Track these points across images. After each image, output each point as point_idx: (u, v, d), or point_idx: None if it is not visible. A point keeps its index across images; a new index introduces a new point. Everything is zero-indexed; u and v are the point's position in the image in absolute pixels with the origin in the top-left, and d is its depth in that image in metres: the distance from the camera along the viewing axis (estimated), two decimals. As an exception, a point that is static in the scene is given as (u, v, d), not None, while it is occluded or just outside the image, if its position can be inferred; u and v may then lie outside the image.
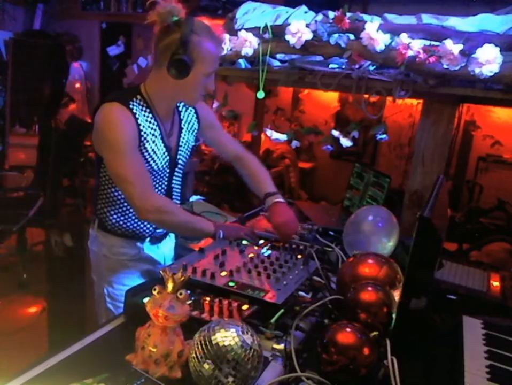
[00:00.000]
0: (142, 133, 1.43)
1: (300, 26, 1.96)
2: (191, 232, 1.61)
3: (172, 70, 1.37)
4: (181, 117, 1.62)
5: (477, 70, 1.64)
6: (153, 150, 1.47)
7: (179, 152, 1.60)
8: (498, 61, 1.63)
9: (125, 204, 1.52)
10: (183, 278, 0.93)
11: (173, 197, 1.64)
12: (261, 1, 2.50)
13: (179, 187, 1.67)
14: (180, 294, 0.91)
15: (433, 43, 1.78)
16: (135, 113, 1.42)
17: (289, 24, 2.01)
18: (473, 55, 1.65)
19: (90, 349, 1.03)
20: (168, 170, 1.56)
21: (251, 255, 1.44)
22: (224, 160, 1.82)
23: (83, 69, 5.27)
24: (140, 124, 1.42)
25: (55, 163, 4.27)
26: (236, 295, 1.18)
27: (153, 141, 1.47)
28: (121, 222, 1.54)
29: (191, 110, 1.65)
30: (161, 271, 0.95)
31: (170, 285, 0.92)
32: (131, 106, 1.41)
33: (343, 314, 1.07)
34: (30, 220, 3.36)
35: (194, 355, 0.85)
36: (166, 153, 1.52)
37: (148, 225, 1.57)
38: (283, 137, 2.47)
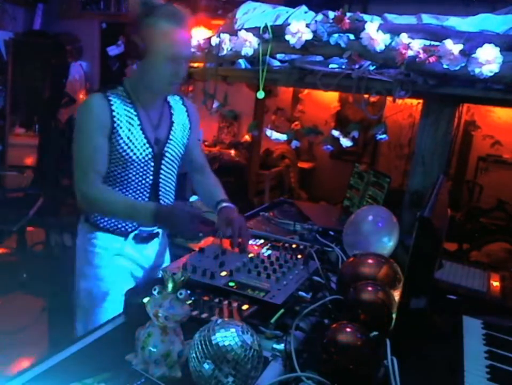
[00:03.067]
0: (115, 119, 1.43)
1: (300, 26, 1.96)
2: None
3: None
4: (172, 111, 1.60)
5: (477, 70, 1.64)
6: (128, 138, 1.45)
7: (168, 145, 1.55)
8: (498, 61, 1.63)
9: None
10: (183, 278, 0.93)
11: (160, 193, 1.56)
12: (261, 1, 2.50)
13: (170, 185, 1.60)
14: (180, 294, 0.91)
15: (433, 43, 1.78)
16: (110, 100, 1.43)
17: (289, 24, 2.01)
18: (473, 55, 1.65)
19: (90, 349, 1.03)
20: (152, 164, 1.51)
21: (251, 255, 1.44)
22: (184, 167, 1.78)
23: (83, 69, 5.27)
24: (114, 111, 1.43)
25: (55, 163, 4.27)
26: (236, 295, 1.18)
27: (129, 130, 1.46)
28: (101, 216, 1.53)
29: (182, 108, 1.64)
30: (161, 271, 0.95)
31: (170, 285, 0.92)
32: (108, 94, 1.44)
33: (343, 314, 1.07)
34: (30, 220, 3.36)
35: (194, 355, 0.85)
36: (147, 145, 1.49)
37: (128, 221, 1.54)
38: (283, 137, 2.47)
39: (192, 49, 2.46)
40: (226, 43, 2.25)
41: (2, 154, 4.60)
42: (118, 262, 1.54)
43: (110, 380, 0.87)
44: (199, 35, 2.61)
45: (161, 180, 1.56)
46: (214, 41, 2.33)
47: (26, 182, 4.20)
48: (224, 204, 1.60)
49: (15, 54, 4.56)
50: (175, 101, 1.62)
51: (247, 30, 2.19)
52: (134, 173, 1.49)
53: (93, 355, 1.02)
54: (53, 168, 4.35)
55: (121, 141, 1.44)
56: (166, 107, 1.58)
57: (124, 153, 1.45)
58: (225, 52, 2.26)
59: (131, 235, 1.54)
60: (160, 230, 1.63)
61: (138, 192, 1.51)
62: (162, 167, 1.55)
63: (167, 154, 1.55)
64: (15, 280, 3.30)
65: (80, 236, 1.59)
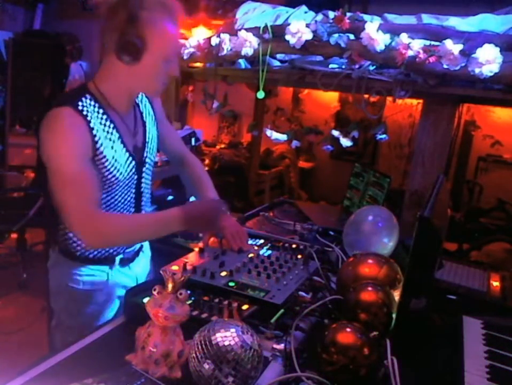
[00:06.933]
0: (97, 139, 1.21)
1: (300, 26, 1.96)
2: (160, 232, 1.31)
3: (121, 55, 1.18)
4: (141, 109, 1.41)
5: (477, 70, 1.65)
6: (113, 157, 1.25)
7: (147, 150, 1.39)
8: (498, 61, 1.63)
9: None
10: (183, 278, 0.93)
11: (142, 204, 1.43)
12: (261, 1, 2.50)
13: (149, 190, 1.45)
14: (180, 294, 0.91)
15: (433, 43, 1.78)
16: (86, 116, 1.20)
17: (289, 24, 2.01)
18: (473, 55, 1.65)
19: (90, 349, 1.03)
20: (135, 177, 1.36)
21: (251, 255, 1.44)
22: (167, 158, 1.66)
23: (83, 69, 5.27)
24: (93, 129, 1.21)
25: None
26: (236, 295, 1.18)
27: (111, 147, 1.25)
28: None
29: (145, 99, 1.43)
30: (161, 272, 0.95)
31: (170, 285, 0.92)
32: (80, 108, 1.19)
33: (343, 314, 1.07)
34: (30, 220, 3.35)
35: (194, 355, 0.85)
36: (130, 158, 1.31)
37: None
38: (283, 137, 2.47)
39: (192, 49, 2.47)
40: (226, 43, 2.25)
41: (2, 154, 4.60)
42: (107, 292, 1.39)
43: (110, 380, 0.87)
44: (199, 34, 2.61)
45: (142, 190, 1.42)
46: (214, 41, 2.33)
47: (26, 182, 4.19)
48: None
49: (15, 54, 4.55)
50: (140, 96, 1.42)
51: (247, 30, 2.20)
52: (119, 193, 1.32)
53: (93, 355, 1.02)
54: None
55: (106, 163, 1.24)
56: (136, 107, 1.39)
57: (110, 175, 1.26)
58: (225, 52, 2.27)
59: (117, 260, 1.40)
60: (143, 244, 1.51)
61: (121, 210, 1.35)
62: (143, 175, 1.40)
63: (147, 160, 1.40)
64: (15, 280, 3.30)
65: (57, 272, 1.39)
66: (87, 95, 1.23)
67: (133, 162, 1.33)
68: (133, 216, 1.36)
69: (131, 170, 1.33)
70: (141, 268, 1.51)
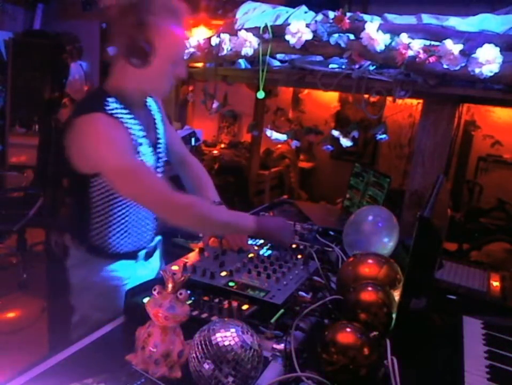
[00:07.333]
0: (132, 137, 1.28)
1: (300, 26, 1.96)
2: (230, 229, 1.43)
3: (131, 58, 1.21)
4: (150, 108, 1.47)
5: (477, 70, 1.65)
6: (143, 154, 1.33)
7: (159, 145, 1.45)
8: (498, 61, 1.63)
9: (126, 219, 1.36)
10: (183, 278, 0.93)
11: None
12: (261, 1, 2.50)
13: None
14: (180, 294, 0.92)
15: (433, 43, 1.79)
16: (117, 118, 1.24)
17: (289, 24, 2.01)
18: (473, 55, 1.65)
19: (90, 349, 1.03)
20: (155, 171, 1.43)
21: (251, 255, 1.44)
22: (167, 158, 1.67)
23: (83, 69, 5.27)
24: (128, 128, 1.26)
25: (55, 163, 4.27)
26: (236, 295, 1.18)
27: (141, 144, 1.32)
28: (126, 239, 1.38)
29: (150, 100, 1.48)
30: (161, 271, 0.95)
31: (170, 285, 0.92)
32: (109, 112, 1.23)
33: (343, 314, 1.07)
34: (30, 220, 3.35)
35: (194, 355, 0.85)
36: (151, 153, 1.38)
37: (148, 237, 1.47)
38: (283, 137, 2.47)
39: (192, 49, 2.47)
40: (226, 43, 2.25)
41: (2, 154, 4.60)
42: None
43: (110, 380, 0.87)
44: (199, 34, 2.61)
45: None
46: (214, 41, 2.33)
47: (26, 182, 4.19)
48: None
49: (15, 54, 4.56)
50: None
51: (247, 30, 2.20)
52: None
53: (93, 355, 1.02)
54: (53, 168, 4.35)
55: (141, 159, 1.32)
56: (145, 106, 1.45)
57: None
58: (225, 52, 2.27)
59: (142, 254, 1.46)
60: (159, 239, 1.56)
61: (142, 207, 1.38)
62: (159, 170, 1.47)
63: (160, 155, 1.46)
64: (15, 280, 3.30)
65: (83, 270, 1.40)
66: (109, 99, 1.25)
67: (155, 157, 1.40)
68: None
69: (153, 165, 1.40)
70: (157, 261, 1.57)
